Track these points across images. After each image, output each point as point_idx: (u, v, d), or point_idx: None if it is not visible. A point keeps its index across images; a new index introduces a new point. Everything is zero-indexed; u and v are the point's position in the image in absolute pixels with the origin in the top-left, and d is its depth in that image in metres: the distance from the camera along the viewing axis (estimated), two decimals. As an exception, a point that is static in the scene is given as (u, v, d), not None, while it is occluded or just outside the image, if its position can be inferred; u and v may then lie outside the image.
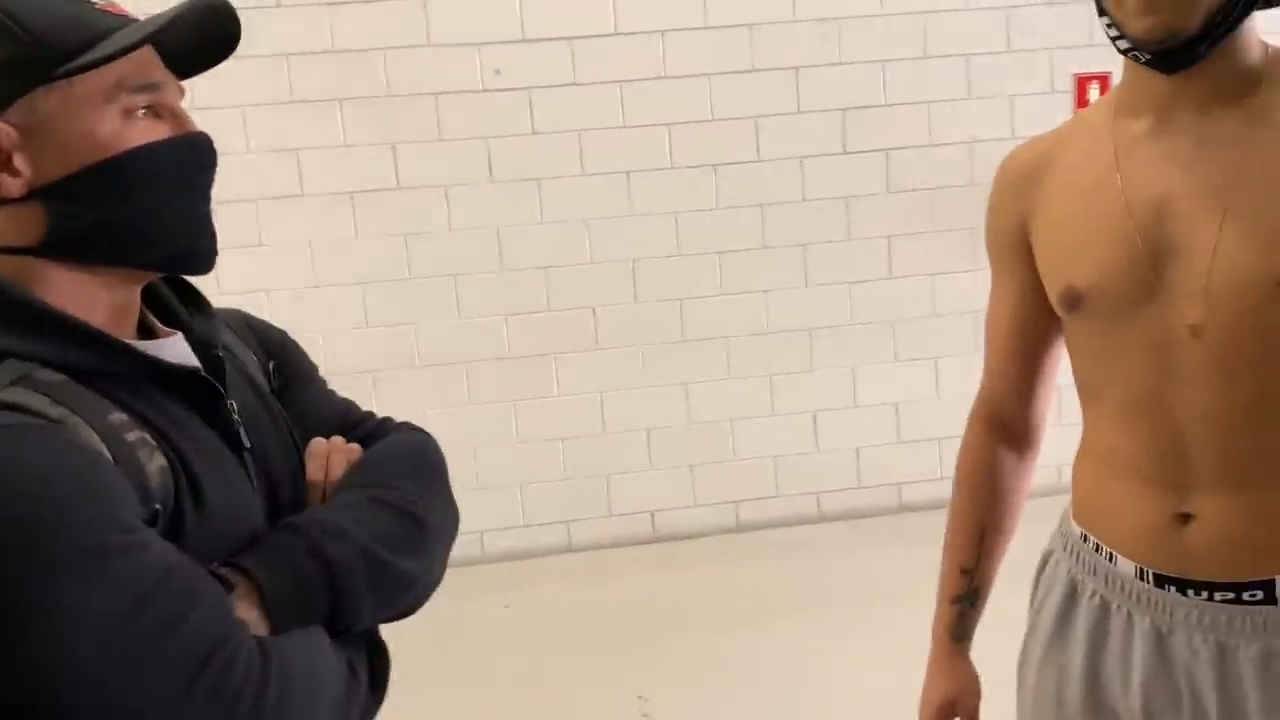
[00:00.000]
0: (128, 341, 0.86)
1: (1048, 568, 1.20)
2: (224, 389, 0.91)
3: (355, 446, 1.03)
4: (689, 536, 3.20)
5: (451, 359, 3.05)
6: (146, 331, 0.93)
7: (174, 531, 0.81)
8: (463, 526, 3.16)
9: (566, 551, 3.15)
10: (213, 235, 0.91)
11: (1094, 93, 3.40)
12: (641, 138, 3.08)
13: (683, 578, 3.01)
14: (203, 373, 0.89)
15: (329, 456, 1.01)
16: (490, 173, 3.03)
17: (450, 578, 3.00)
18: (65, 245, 0.85)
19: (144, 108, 0.86)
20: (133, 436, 0.81)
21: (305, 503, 0.97)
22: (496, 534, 3.11)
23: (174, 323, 0.96)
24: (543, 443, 3.11)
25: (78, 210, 0.84)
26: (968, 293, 3.25)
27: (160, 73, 0.88)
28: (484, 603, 2.89)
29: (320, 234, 2.98)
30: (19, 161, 0.84)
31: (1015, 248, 1.18)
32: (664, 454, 3.19)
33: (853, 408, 3.28)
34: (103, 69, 0.84)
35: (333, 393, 1.14)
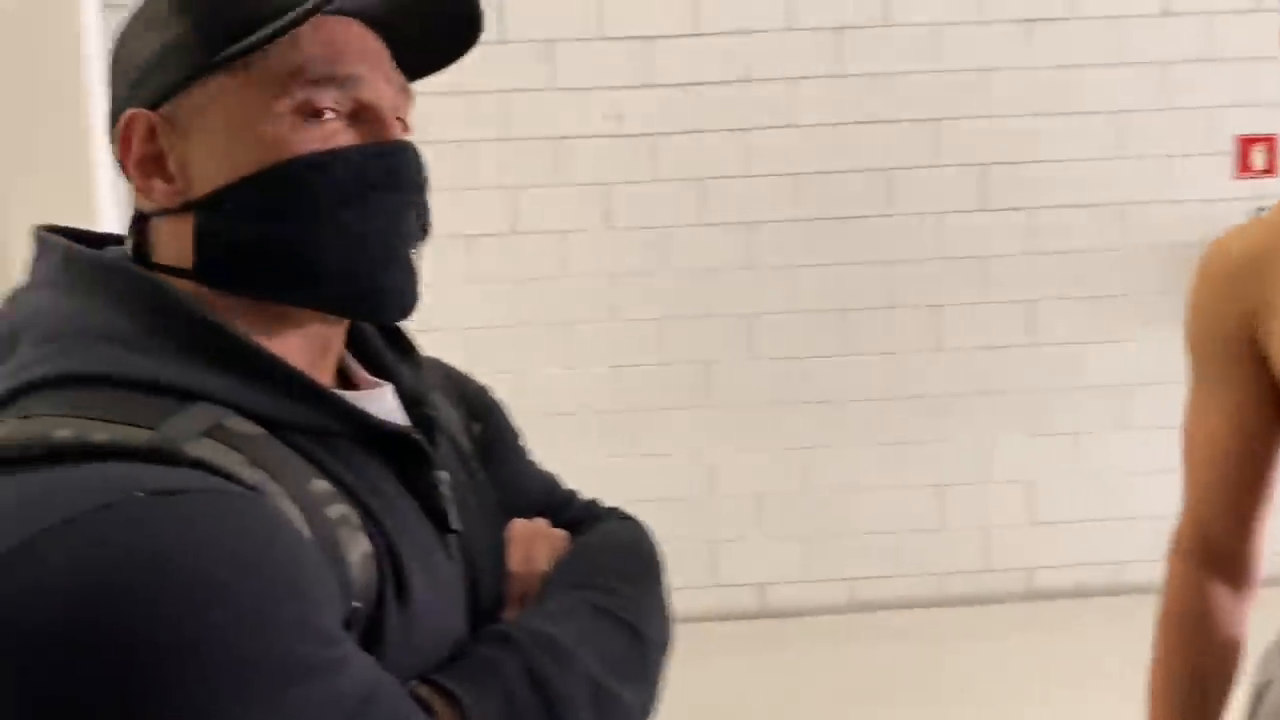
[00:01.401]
0: (336, 391, 0.70)
1: (1267, 701, 0.99)
2: (433, 456, 0.75)
3: (561, 533, 0.88)
4: (799, 613, 2.99)
5: (560, 409, 2.93)
6: (345, 380, 0.78)
7: (373, 636, 0.65)
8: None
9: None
10: (409, 274, 0.72)
11: (1258, 157, 3.15)
12: (765, 187, 2.94)
13: (790, 657, 2.80)
14: (414, 434, 0.73)
15: (533, 543, 0.85)
16: (607, 219, 2.93)
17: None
18: (214, 271, 0.69)
19: (332, 107, 0.69)
20: (335, 512, 0.65)
21: (506, 597, 0.82)
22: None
23: (379, 371, 0.81)
24: (646, 502, 2.95)
25: (223, 228, 0.69)
26: (1115, 365, 3.00)
27: (363, 64, 0.70)
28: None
29: (437, 278, 2.90)
30: (173, 165, 0.70)
31: (1237, 354, 1.00)
32: (775, 523, 3.00)
33: (984, 483, 3.04)
34: (279, 54, 0.68)
35: (535, 464, 0.98)
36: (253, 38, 0.67)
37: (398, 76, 0.74)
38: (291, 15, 0.66)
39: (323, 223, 0.69)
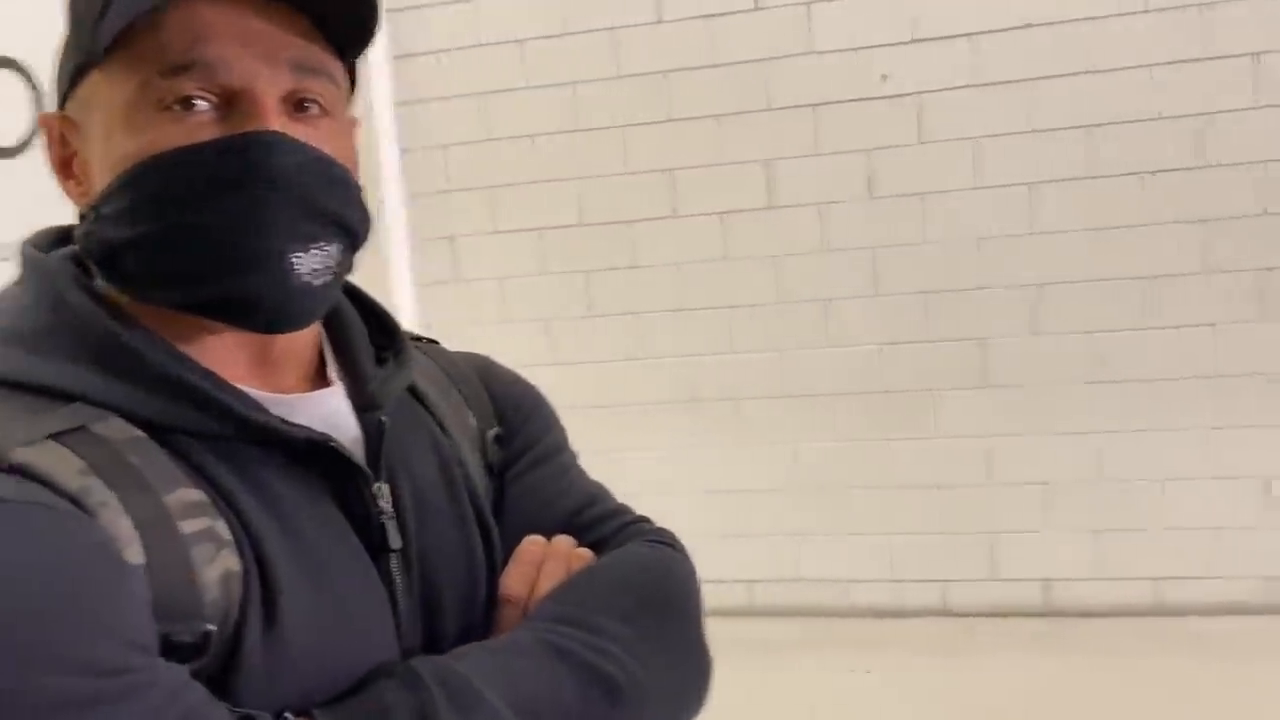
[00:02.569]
0: (234, 391, 0.65)
1: None
2: (373, 466, 0.69)
3: (584, 553, 0.79)
4: (1089, 614, 2.70)
5: (820, 390, 2.80)
6: (319, 383, 0.74)
7: (231, 660, 0.61)
8: (824, 573, 2.89)
9: (940, 614, 2.79)
10: (282, 281, 0.65)
11: None
12: (1051, 143, 2.64)
13: (1079, 661, 2.54)
14: (332, 443, 0.67)
15: (542, 565, 0.76)
16: (869, 188, 2.75)
17: (805, 626, 2.77)
18: (108, 274, 0.67)
19: (199, 96, 0.63)
20: (194, 526, 0.61)
21: (495, 626, 0.74)
22: (860, 585, 2.82)
23: (352, 372, 0.75)
24: (917, 489, 2.78)
25: (98, 231, 0.66)
26: None
27: (232, 45, 0.63)
28: (842, 660, 2.63)
29: (689, 255, 2.86)
30: (77, 167, 0.69)
31: None
32: (1063, 514, 2.72)
33: (1321, 476, 2.60)
34: (142, 43, 0.63)
35: (579, 473, 0.88)
36: (104, 26, 0.63)
37: (298, 54, 0.66)
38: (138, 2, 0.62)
39: (176, 225, 0.64)
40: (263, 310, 0.66)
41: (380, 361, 0.77)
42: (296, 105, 0.67)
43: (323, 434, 0.68)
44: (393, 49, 3.00)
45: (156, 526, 0.59)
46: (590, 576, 0.76)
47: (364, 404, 0.73)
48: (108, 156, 0.66)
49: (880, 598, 2.81)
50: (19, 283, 0.69)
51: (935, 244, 2.72)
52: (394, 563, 0.70)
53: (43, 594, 0.53)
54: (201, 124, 0.64)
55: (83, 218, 0.69)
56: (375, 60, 2.97)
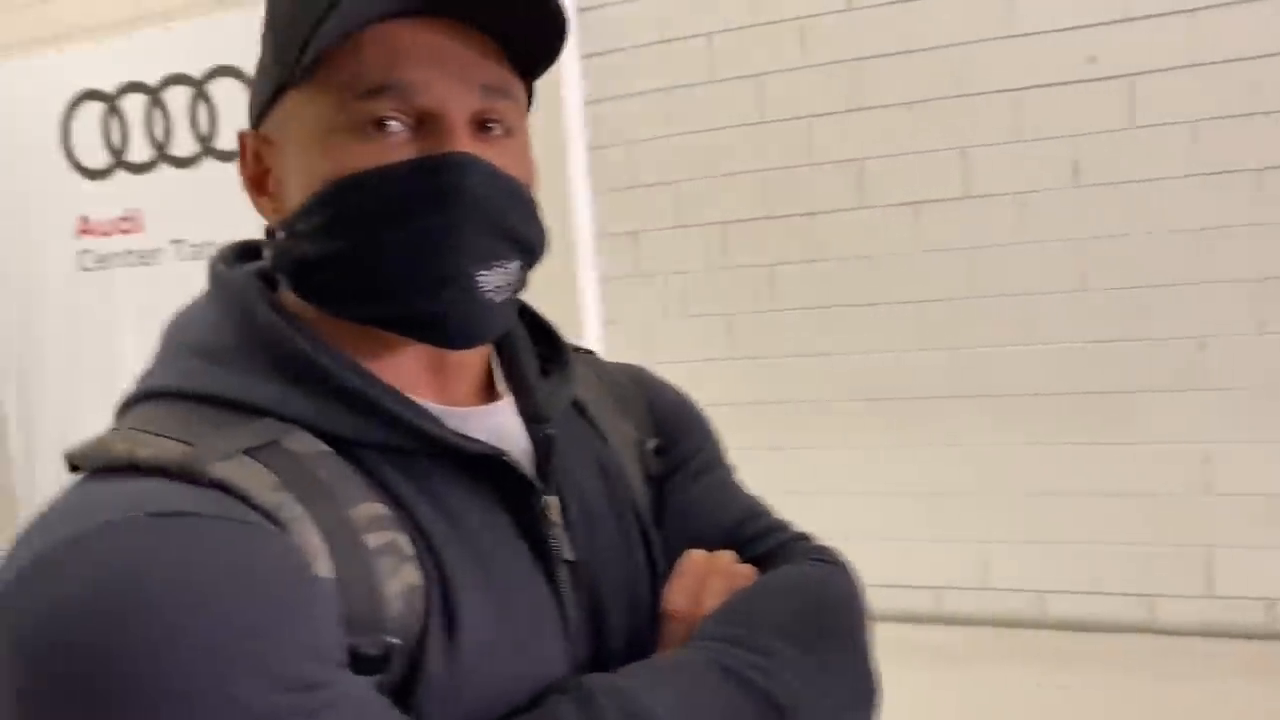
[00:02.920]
0: (415, 406, 0.67)
1: None
2: (543, 479, 0.71)
3: (747, 570, 0.78)
4: (1320, 638, 2.47)
5: (1019, 390, 2.67)
6: (488, 396, 0.76)
7: (413, 675, 0.62)
8: (1018, 582, 2.77)
9: (1147, 631, 2.60)
10: (471, 299, 0.67)
11: None
12: (1274, 126, 2.43)
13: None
14: (507, 458, 0.69)
15: (705, 580, 0.76)
16: (1075, 176, 2.60)
17: (997, 639, 2.66)
18: (300, 288, 0.70)
19: (393, 117, 0.66)
20: (378, 540, 0.62)
21: (660, 642, 0.74)
22: (1057, 596, 2.67)
23: (520, 380, 0.77)
24: (1121, 497, 2.60)
25: (293, 248, 0.69)
26: None
27: (427, 68, 0.65)
28: (1036, 673, 2.49)
29: (879, 246, 2.78)
30: (272, 184, 0.71)
31: None
32: (1287, 529, 2.50)
33: None
34: (341, 64, 0.65)
35: (737, 486, 0.90)
36: (309, 49, 0.64)
37: (486, 76, 0.68)
38: (341, 21, 0.62)
39: (370, 242, 0.66)
40: (449, 326, 0.68)
41: (544, 373, 0.79)
42: (481, 125, 0.69)
43: (496, 448, 0.69)
44: (582, 48, 3.04)
45: (343, 540, 0.60)
46: (756, 595, 0.75)
47: (532, 416, 0.74)
48: (303, 174, 0.68)
49: (1079, 609, 2.65)
50: (206, 299, 0.72)
51: (1144, 236, 2.55)
52: (564, 576, 0.70)
53: (244, 609, 0.54)
54: (395, 145, 0.66)
55: (271, 234, 0.72)
56: (566, 59, 3.01)
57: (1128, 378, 2.59)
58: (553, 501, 0.71)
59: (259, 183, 0.72)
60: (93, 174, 4.08)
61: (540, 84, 2.92)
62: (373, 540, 0.61)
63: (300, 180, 0.68)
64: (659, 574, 0.76)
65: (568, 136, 3.04)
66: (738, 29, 2.87)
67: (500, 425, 0.73)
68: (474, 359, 0.74)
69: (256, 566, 0.55)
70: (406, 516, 0.64)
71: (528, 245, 0.72)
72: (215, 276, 0.72)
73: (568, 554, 0.70)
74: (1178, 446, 2.56)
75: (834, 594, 0.78)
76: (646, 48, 2.98)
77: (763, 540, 0.83)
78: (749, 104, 2.86)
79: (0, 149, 4.26)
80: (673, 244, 2.99)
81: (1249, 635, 2.53)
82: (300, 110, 0.68)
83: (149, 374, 0.68)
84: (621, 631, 0.72)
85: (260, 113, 0.71)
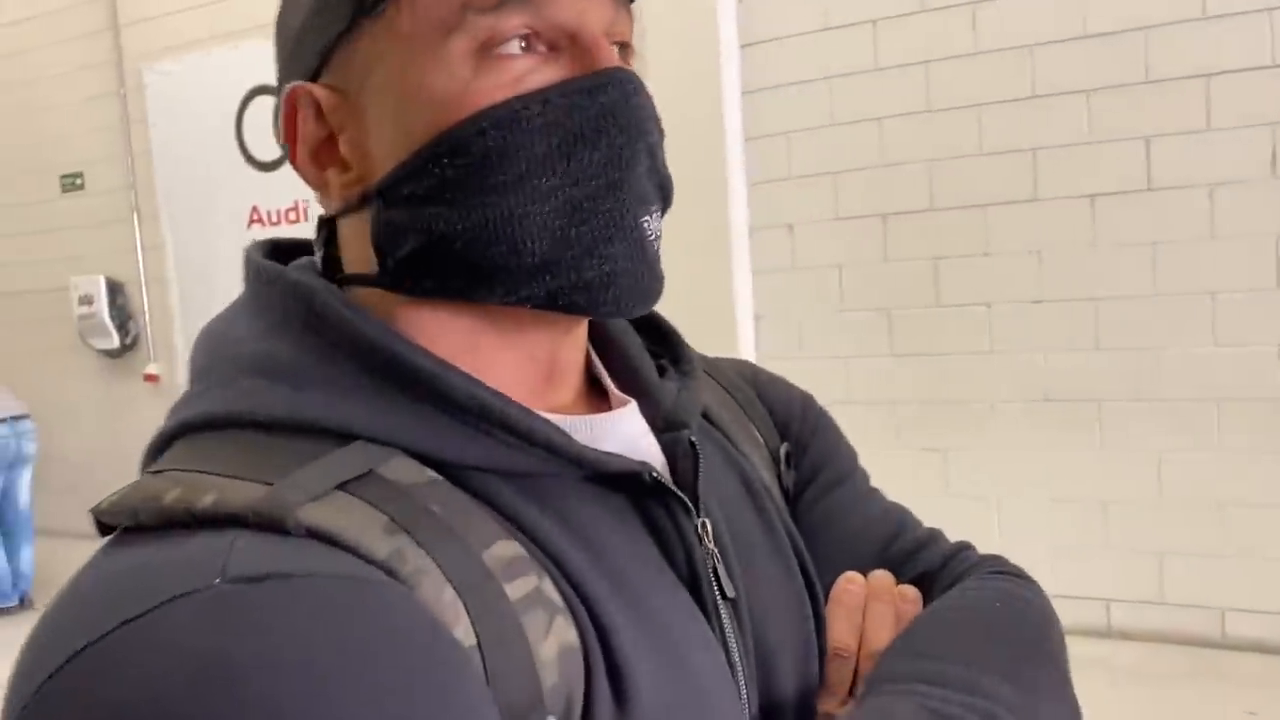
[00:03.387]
0: (541, 418, 0.54)
1: None
2: (695, 500, 0.57)
3: (910, 592, 0.66)
4: None
5: (1198, 394, 2.51)
6: (593, 399, 0.62)
7: None
8: (1197, 598, 2.61)
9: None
10: (643, 250, 0.55)
11: None
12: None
13: None
14: (656, 475, 0.55)
15: (866, 608, 0.64)
16: (1273, 166, 2.43)
17: (1175, 656, 2.51)
18: (400, 274, 0.54)
19: (521, 36, 0.52)
20: (521, 589, 0.49)
21: (824, 685, 0.62)
22: (1242, 615, 2.50)
23: (632, 384, 0.63)
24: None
25: (401, 219, 0.54)
26: None
27: None
28: (1220, 699, 2.33)
29: (1051, 240, 2.65)
30: (345, 148, 0.55)
31: None
32: None
33: None
34: None
35: (880, 495, 0.75)
36: None
37: None
38: None
39: (520, 193, 0.52)
40: (618, 288, 0.54)
41: (660, 371, 0.65)
42: (614, 45, 0.56)
43: (642, 462, 0.56)
44: (741, 36, 3.00)
45: (483, 594, 0.47)
46: (941, 622, 0.63)
47: (664, 424, 0.61)
48: (403, 125, 0.53)
49: (1264, 631, 2.47)
50: (254, 301, 0.58)
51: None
52: (725, 615, 0.57)
53: (377, 698, 0.41)
54: (527, 70, 0.53)
55: (329, 222, 0.58)
56: (725, 48, 2.98)
57: (1327, 384, 2.40)
58: (707, 524, 0.58)
59: (321, 152, 0.56)
60: (264, 166, 4.26)
61: (697, 73, 2.91)
62: (515, 590, 0.49)
63: (399, 134, 0.53)
64: (821, 606, 0.64)
65: (725, 127, 3.00)
66: (902, 15, 2.78)
67: (631, 436, 0.59)
68: (580, 356, 0.61)
69: (385, 638, 0.43)
70: (546, 555, 0.51)
71: (669, 191, 0.58)
72: (262, 273, 0.57)
73: (728, 590, 0.57)
74: (1384, 459, 2.36)
75: (1030, 613, 0.66)
76: (806, 35, 2.92)
77: (922, 556, 0.70)
78: (915, 92, 2.77)
79: (182, 142, 4.49)
80: (830, 237, 2.93)
81: None
82: (389, 48, 0.53)
83: (189, 401, 0.54)
84: (792, 677, 0.61)
85: (318, 62, 0.56)
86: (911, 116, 2.77)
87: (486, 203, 0.53)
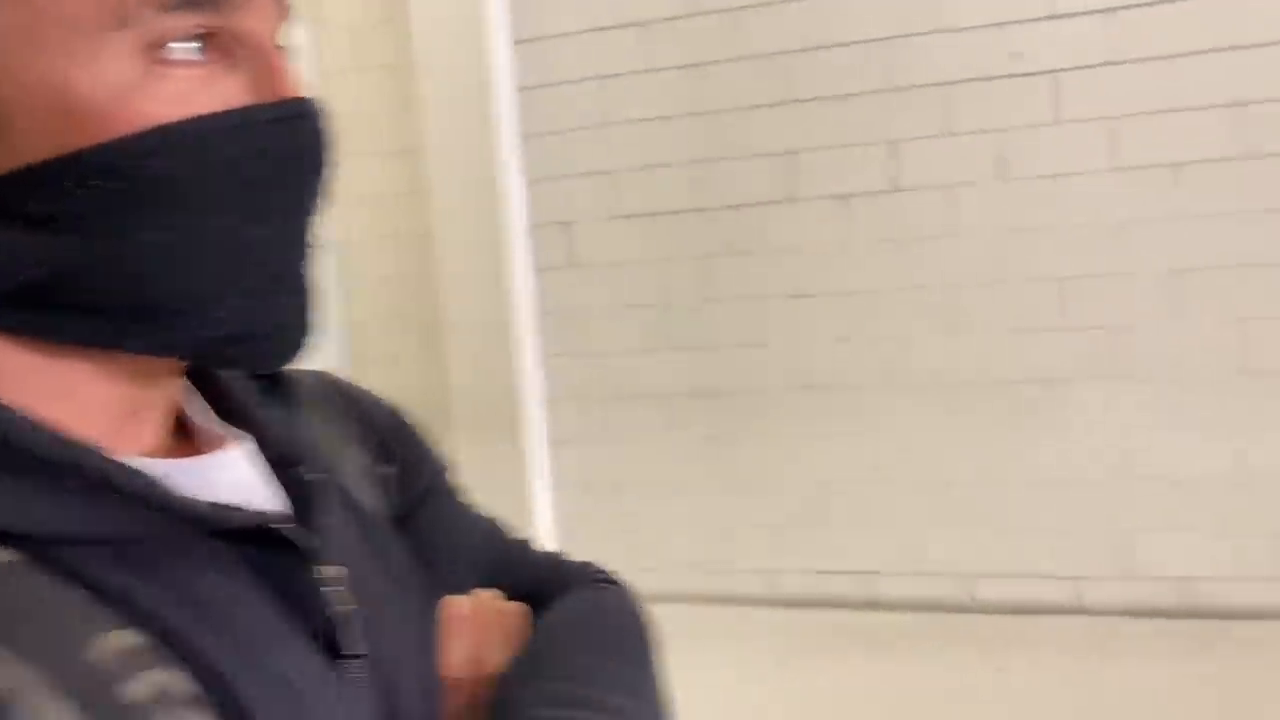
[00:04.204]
0: (135, 468, 0.46)
1: None
2: (318, 542, 0.53)
3: (518, 609, 0.65)
4: (1235, 615, 2.57)
5: (944, 380, 2.72)
6: (185, 438, 0.55)
7: None
8: (951, 567, 2.83)
9: (1076, 613, 2.68)
10: (306, 299, 0.50)
11: None
12: (1194, 122, 2.51)
13: (1221, 664, 2.42)
14: (280, 526, 0.50)
15: (479, 630, 0.62)
16: (1002, 170, 2.66)
17: (933, 621, 2.71)
18: (16, 307, 0.44)
19: (195, 39, 0.44)
20: (142, 688, 0.41)
21: (440, 713, 0.60)
22: (989, 580, 2.74)
23: (233, 416, 0.56)
24: (1049, 483, 2.68)
25: (32, 242, 0.43)
26: None
27: None
28: (973, 658, 2.55)
29: (809, 241, 2.81)
30: None
31: None
32: (1206, 511, 2.59)
33: None
34: None
35: (478, 511, 0.73)
36: None
37: None
38: None
39: (186, 230, 0.44)
40: (283, 341, 0.50)
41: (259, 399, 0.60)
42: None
43: (260, 513, 0.51)
44: (515, 33, 3.02)
45: (97, 702, 0.40)
46: (553, 638, 0.63)
47: (271, 458, 0.55)
48: (28, 120, 0.42)
49: (1009, 593, 2.72)
50: None
51: (1072, 228, 2.62)
52: (355, 667, 0.53)
53: None
54: (196, 85, 0.45)
55: None
56: (498, 45, 2.98)
57: (1053, 366, 2.65)
58: (332, 572, 0.53)
59: None
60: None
61: (470, 69, 2.88)
62: (135, 689, 0.41)
63: (16, 134, 0.42)
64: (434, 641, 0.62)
65: (499, 124, 3.01)
66: (671, 19, 2.87)
67: (246, 479, 0.52)
68: (170, 393, 0.53)
69: None
70: (165, 639, 0.44)
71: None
72: None
73: (359, 646, 0.53)
74: (1100, 434, 2.64)
75: (627, 620, 0.67)
76: (579, 35, 2.97)
77: (520, 570, 0.69)
78: (684, 94, 2.87)
79: None
80: (608, 235, 2.99)
81: (1166, 614, 2.62)
82: (22, 30, 0.41)
83: None
84: (420, 714, 0.58)
85: None
86: (679, 118, 2.87)
87: (141, 238, 0.44)
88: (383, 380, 2.95)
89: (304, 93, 0.48)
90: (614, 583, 0.72)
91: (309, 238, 0.50)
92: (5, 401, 0.44)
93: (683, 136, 2.87)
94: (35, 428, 0.44)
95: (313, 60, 3.24)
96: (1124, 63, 2.54)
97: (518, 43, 3.01)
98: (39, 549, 0.42)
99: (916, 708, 2.37)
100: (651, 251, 2.94)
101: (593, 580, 0.70)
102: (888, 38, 2.70)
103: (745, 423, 2.88)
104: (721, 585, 2.93)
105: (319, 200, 0.50)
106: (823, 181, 2.78)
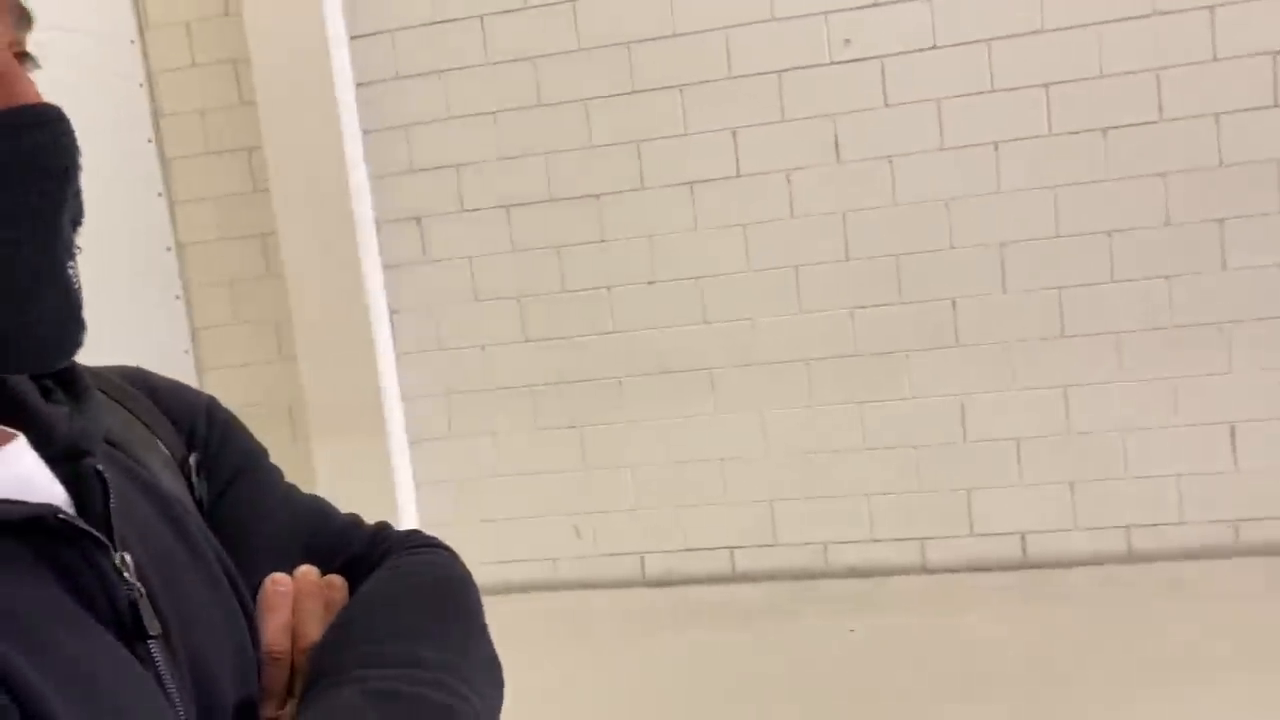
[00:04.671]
0: None
1: None
2: (109, 534, 0.54)
3: (338, 581, 0.66)
4: (1067, 564, 2.76)
5: (791, 356, 2.83)
6: None
7: None
8: (798, 535, 2.94)
9: (921, 572, 2.83)
10: (70, 300, 0.52)
11: None
12: (1012, 102, 2.67)
13: (1056, 612, 2.59)
14: (62, 514, 0.52)
15: (296, 605, 0.64)
16: (836, 153, 2.77)
17: (789, 590, 2.80)
18: None
19: None
20: None
21: (262, 691, 0.61)
22: (841, 547, 2.86)
23: (11, 409, 0.56)
24: (892, 450, 2.81)
25: None
26: None
27: None
28: (827, 622, 2.66)
29: (658, 226, 2.87)
30: None
31: None
32: (1037, 468, 2.77)
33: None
34: None
35: (294, 489, 0.74)
36: None
37: None
38: None
39: None
40: (45, 342, 0.51)
41: (44, 393, 0.59)
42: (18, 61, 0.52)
43: (45, 505, 0.51)
44: (350, 28, 2.98)
45: None
46: (371, 604, 0.64)
47: (60, 454, 0.55)
48: None
49: (860, 558, 2.85)
50: None
51: (904, 207, 2.75)
52: (156, 650, 0.54)
53: None
54: None
55: None
56: (334, 40, 2.94)
57: (892, 339, 2.78)
58: (126, 558, 0.53)
59: None
60: None
61: (306, 64, 2.82)
62: None
63: None
64: (251, 613, 0.63)
65: (342, 120, 2.97)
66: (510, 11, 2.88)
67: (25, 473, 0.53)
68: None
69: None
70: None
71: (79, 227, 0.54)
72: None
73: (154, 627, 0.53)
74: (939, 400, 2.78)
75: (449, 580, 0.69)
76: (417, 29, 2.95)
77: (344, 543, 0.71)
78: (527, 87, 2.88)
79: None
80: (459, 229, 2.99)
81: (1006, 568, 2.79)
82: None
83: None
84: (232, 695, 0.58)
85: None
86: (524, 111, 2.89)
87: None
88: (232, 383, 2.86)
89: (39, 98, 0.50)
90: (437, 546, 0.72)
91: (64, 238, 0.51)
92: None
93: (530, 128, 2.89)
94: None
95: (141, 59, 3.12)
96: (946, 47, 2.68)
97: (354, 38, 2.97)
98: None
99: (776, 671, 2.46)
100: (503, 244, 2.95)
101: (414, 547, 0.71)
102: (721, 28, 2.77)
103: (604, 409, 2.93)
104: (585, 570, 2.98)
105: (70, 202, 0.52)
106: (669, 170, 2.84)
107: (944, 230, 2.74)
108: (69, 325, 0.52)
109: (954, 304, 2.76)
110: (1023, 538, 2.80)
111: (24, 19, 0.51)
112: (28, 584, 0.50)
